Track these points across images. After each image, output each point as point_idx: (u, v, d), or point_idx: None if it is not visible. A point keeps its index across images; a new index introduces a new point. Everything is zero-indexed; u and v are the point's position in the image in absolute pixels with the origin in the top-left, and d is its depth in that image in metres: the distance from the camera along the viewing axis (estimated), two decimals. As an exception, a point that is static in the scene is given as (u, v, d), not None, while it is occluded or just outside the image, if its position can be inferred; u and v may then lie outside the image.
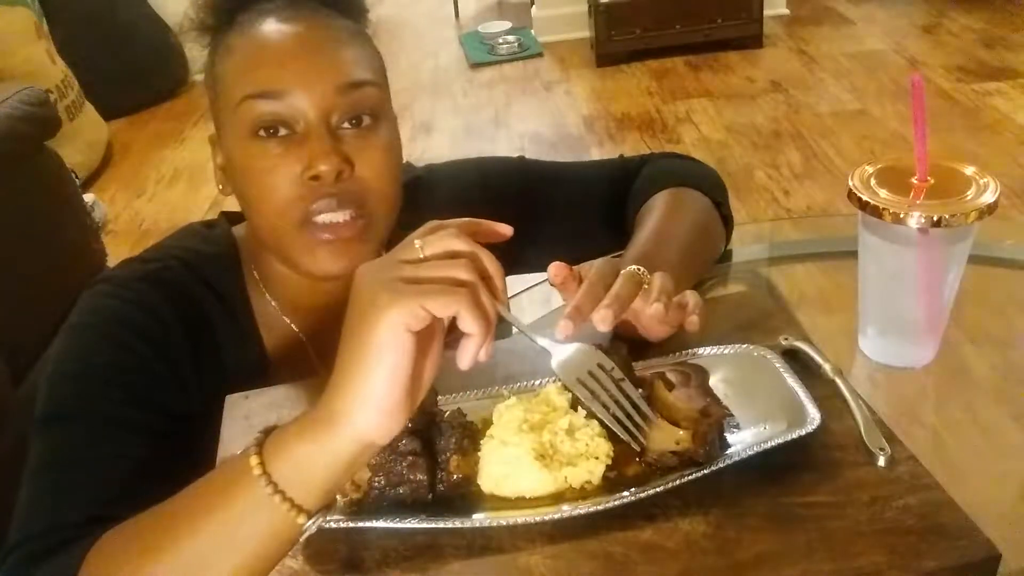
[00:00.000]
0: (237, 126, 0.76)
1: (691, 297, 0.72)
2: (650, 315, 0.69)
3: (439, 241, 0.53)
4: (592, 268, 0.72)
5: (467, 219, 0.57)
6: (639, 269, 0.72)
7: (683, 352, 0.74)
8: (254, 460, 0.52)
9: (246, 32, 0.78)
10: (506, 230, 0.58)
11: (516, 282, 1.06)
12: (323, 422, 0.51)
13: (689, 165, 1.05)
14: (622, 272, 0.71)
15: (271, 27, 0.77)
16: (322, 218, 0.76)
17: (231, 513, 0.53)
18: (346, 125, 0.77)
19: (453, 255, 0.53)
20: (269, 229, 0.79)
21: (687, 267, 0.83)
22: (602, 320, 0.66)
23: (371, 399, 0.50)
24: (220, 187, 0.84)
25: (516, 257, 1.02)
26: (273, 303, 0.87)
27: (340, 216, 0.76)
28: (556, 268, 0.73)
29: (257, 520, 0.52)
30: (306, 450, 0.52)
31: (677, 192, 0.98)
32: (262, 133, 0.75)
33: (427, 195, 0.97)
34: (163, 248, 0.87)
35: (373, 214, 0.79)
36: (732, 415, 0.65)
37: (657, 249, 0.87)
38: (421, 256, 0.53)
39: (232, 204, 0.86)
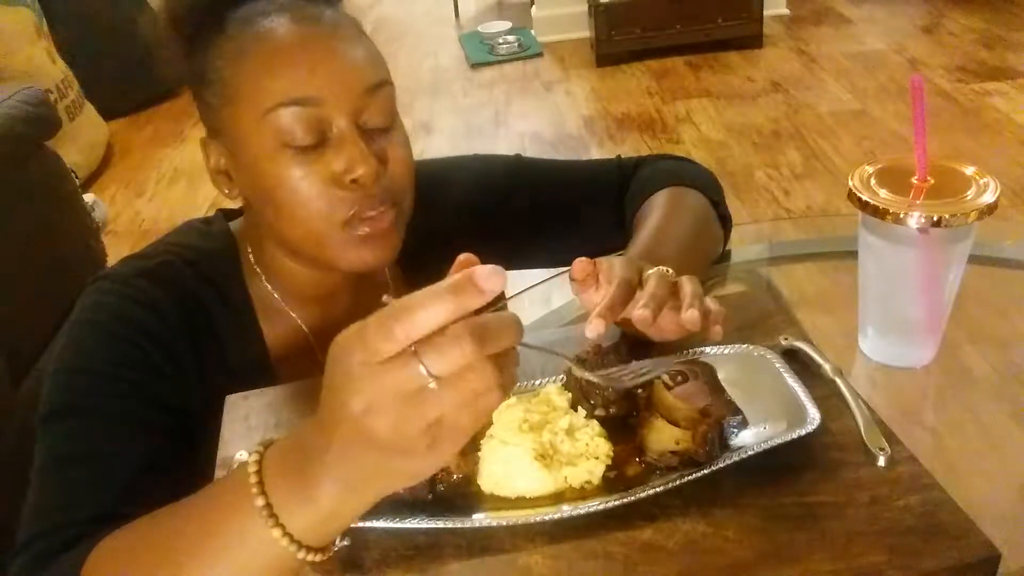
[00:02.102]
0: (264, 134, 0.75)
1: (712, 304, 0.71)
2: (685, 320, 0.68)
3: (445, 361, 0.43)
4: (615, 267, 0.72)
5: (443, 293, 0.43)
6: (667, 270, 0.72)
7: (684, 352, 0.73)
8: (277, 532, 0.50)
9: (259, 35, 0.76)
10: (493, 282, 0.44)
11: (512, 279, 1.06)
12: (328, 504, 0.50)
13: (685, 166, 1.06)
14: (651, 273, 0.71)
15: (288, 29, 0.76)
16: (364, 215, 0.77)
17: (242, 554, 0.52)
18: (371, 125, 0.77)
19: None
20: (305, 233, 0.78)
21: (687, 266, 0.84)
22: (642, 320, 0.66)
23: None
24: (226, 191, 0.83)
25: (507, 255, 1.02)
26: (275, 295, 0.87)
27: (377, 210, 0.78)
28: (581, 264, 0.73)
29: (271, 563, 0.52)
30: (322, 514, 0.50)
31: (675, 192, 0.98)
32: (296, 141, 0.75)
33: (420, 188, 0.97)
34: (162, 245, 0.87)
35: (403, 204, 0.81)
36: (740, 412, 0.65)
37: (658, 247, 0.87)
38: (430, 384, 0.44)
39: (231, 202, 0.86)
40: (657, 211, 0.94)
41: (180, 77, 0.82)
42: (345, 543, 0.54)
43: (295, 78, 0.74)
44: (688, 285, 0.71)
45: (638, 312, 0.66)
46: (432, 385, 0.44)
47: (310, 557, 0.51)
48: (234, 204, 0.89)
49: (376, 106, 0.77)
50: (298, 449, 0.51)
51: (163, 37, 0.80)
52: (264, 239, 0.86)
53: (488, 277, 0.44)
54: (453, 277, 0.44)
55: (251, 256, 0.88)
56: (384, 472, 0.48)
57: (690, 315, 0.67)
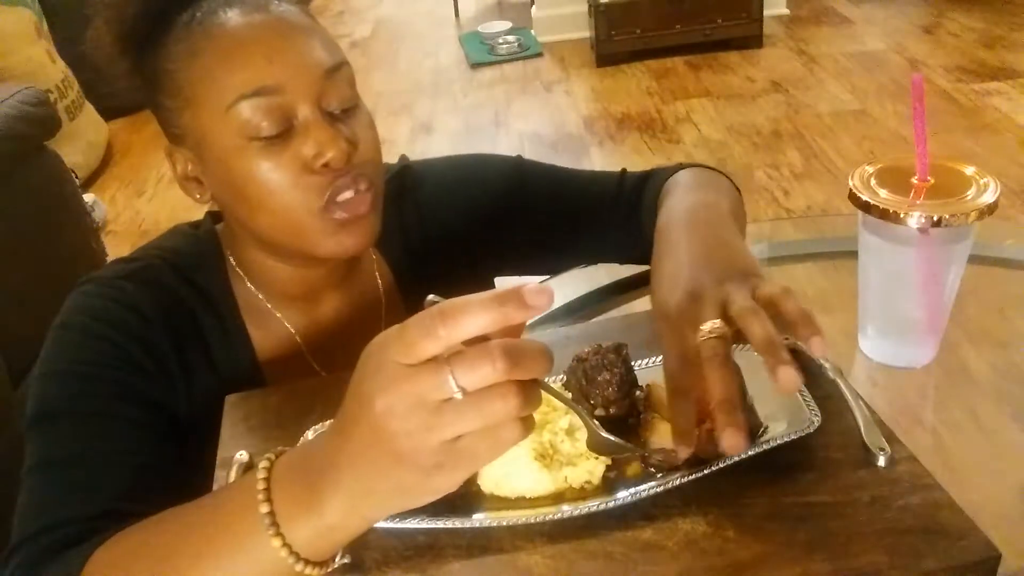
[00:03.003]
0: (228, 130, 0.74)
1: (793, 311, 0.62)
2: (781, 386, 0.58)
3: (475, 375, 0.43)
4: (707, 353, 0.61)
5: (489, 302, 0.43)
6: (718, 326, 0.63)
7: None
8: (277, 542, 0.50)
9: (210, 32, 0.75)
10: (539, 299, 0.44)
11: (507, 284, 1.06)
12: (331, 515, 0.50)
13: (693, 167, 1.00)
14: (755, 336, 0.62)
15: (238, 21, 0.75)
16: (339, 197, 0.76)
17: (243, 562, 0.52)
18: (334, 107, 0.77)
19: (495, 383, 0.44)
20: (282, 225, 0.78)
21: (734, 232, 0.76)
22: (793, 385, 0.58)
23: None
24: (197, 196, 0.82)
25: (501, 259, 1.02)
26: (260, 296, 0.87)
27: (353, 192, 0.77)
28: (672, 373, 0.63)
29: (269, 573, 0.52)
30: (323, 525, 0.50)
31: (695, 170, 0.94)
32: (262, 132, 0.74)
33: (416, 185, 0.97)
34: (148, 248, 0.88)
35: (376, 184, 0.80)
36: (763, 423, 0.65)
37: (696, 213, 0.78)
38: (456, 395, 0.43)
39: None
40: (682, 185, 0.89)
41: (136, 92, 0.81)
42: (346, 560, 0.54)
43: (253, 69, 0.73)
44: (755, 325, 0.61)
45: (786, 379, 0.58)
46: (457, 395, 0.43)
47: (308, 571, 0.51)
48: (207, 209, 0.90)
49: (337, 88, 0.77)
50: (310, 459, 0.51)
51: (110, 55, 0.79)
52: (243, 240, 0.85)
53: (535, 294, 0.43)
54: (501, 289, 0.44)
55: (232, 259, 0.87)
56: (387, 483, 0.47)
57: (783, 378, 0.58)
